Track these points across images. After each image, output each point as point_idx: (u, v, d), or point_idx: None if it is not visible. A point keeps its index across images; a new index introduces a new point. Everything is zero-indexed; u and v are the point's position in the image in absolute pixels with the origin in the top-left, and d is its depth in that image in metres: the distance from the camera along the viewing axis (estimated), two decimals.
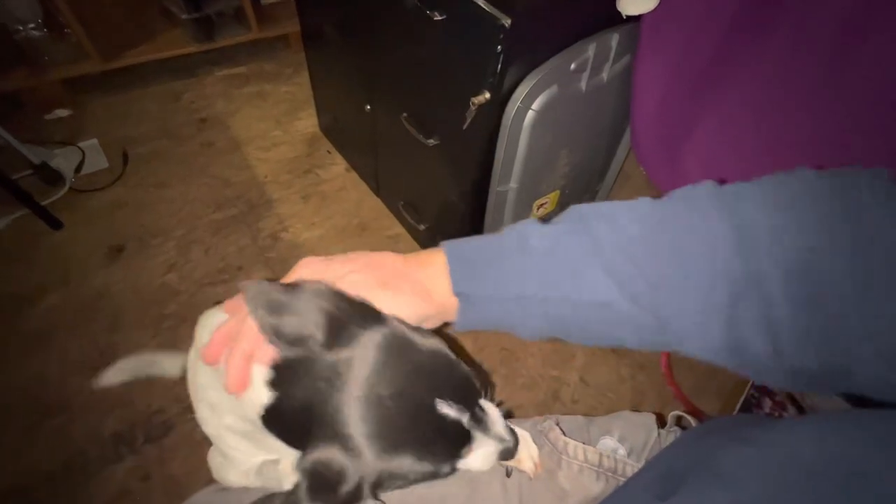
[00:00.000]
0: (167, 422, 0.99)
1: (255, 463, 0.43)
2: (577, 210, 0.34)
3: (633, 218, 0.32)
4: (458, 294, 0.33)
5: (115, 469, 0.93)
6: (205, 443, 1.07)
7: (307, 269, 0.34)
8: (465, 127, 0.79)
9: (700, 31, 0.71)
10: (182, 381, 1.11)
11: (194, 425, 0.99)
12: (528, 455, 0.41)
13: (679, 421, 0.49)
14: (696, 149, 0.78)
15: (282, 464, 0.41)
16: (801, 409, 1.02)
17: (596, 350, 1.18)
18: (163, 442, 0.97)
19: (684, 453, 0.40)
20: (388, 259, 0.35)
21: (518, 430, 0.43)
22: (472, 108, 0.75)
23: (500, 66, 0.69)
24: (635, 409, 1.10)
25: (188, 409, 1.08)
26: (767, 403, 1.11)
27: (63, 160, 1.36)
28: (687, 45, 0.73)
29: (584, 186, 1.15)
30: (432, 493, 0.42)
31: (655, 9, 0.71)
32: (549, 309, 0.32)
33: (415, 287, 0.33)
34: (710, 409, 1.15)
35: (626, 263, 0.30)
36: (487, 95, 0.74)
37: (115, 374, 0.73)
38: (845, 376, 0.28)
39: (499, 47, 0.67)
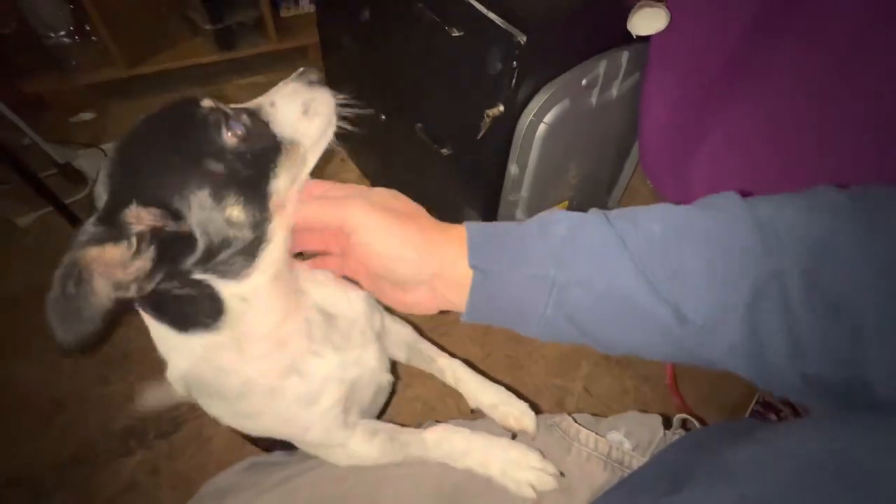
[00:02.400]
0: (178, 418, 1.01)
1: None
2: (598, 210, 0.34)
3: (653, 218, 0.32)
4: (473, 267, 0.33)
5: (125, 462, 0.95)
6: (216, 440, 1.09)
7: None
8: (479, 137, 0.81)
9: (707, 50, 0.74)
10: None
11: (203, 422, 1.01)
12: (530, 420, 0.46)
13: (684, 424, 0.50)
14: (703, 163, 0.81)
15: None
16: None
17: (600, 360, 1.19)
18: (172, 438, 0.99)
19: (691, 451, 0.40)
20: (422, 213, 0.37)
21: (521, 403, 0.47)
22: (487, 119, 0.79)
23: (514, 80, 0.72)
24: None
25: (198, 406, 1.10)
26: (773, 418, 1.11)
27: (86, 161, 1.41)
28: (694, 64, 0.76)
29: (592, 198, 1.17)
30: (448, 481, 0.44)
31: (664, 29, 0.74)
32: (564, 295, 0.32)
33: (430, 231, 0.35)
34: (714, 422, 1.15)
35: (647, 255, 0.30)
36: (501, 108, 0.77)
37: (151, 399, 0.77)
38: (861, 387, 0.27)
39: (514, 63, 0.70)
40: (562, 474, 0.44)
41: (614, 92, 0.87)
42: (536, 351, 1.18)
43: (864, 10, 0.57)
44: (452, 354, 0.59)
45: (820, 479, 0.24)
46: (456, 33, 0.76)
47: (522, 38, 0.67)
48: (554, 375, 1.15)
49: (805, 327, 0.27)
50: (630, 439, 0.45)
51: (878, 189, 0.29)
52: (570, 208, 1.09)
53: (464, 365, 0.55)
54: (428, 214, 0.38)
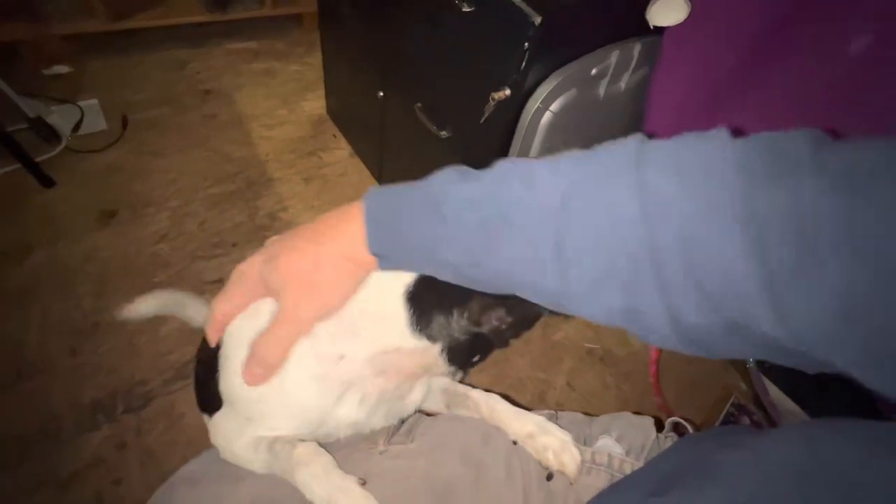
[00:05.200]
0: (148, 393, 0.97)
1: (272, 436, 0.43)
2: (501, 168, 0.33)
3: (557, 184, 0.30)
4: (374, 253, 0.36)
5: (91, 437, 0.91)
6: (188, 417, 1.06)
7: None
8: (482, 121, 0.78)
9: (722, 47, 0.72)
10: (167, 353, 1.08)
11: (175, 399, 0.98)
12: (571, 458, 0.42)
13: (676, 427, 0.49)
14: None
15: (297, 450, 0.40)
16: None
17: (584, 356, 1.19)
18: (141, 413, 0.95)
19: (680, 456, 0.41)
20: (299, 229, 0.39)
21: (561, 433, 0.43)
22: (492, 103, 0.75)
23: (524, 63, 0.69)
24: None
25: (170, 381, 1.06)
26: (745, 421, 1.13)
27: (60, 117, 1.32)
28: (708, 61, 0.74)
29: None
30: (438, 475, 0.42)
31: (679, 23, 0.71)
32: (462, 272, 0.34)
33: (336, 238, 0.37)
34: (691, 422, 1.17)
35: (537, 226, 0.30)
36: (508, 92, 0.74)
37: (144, 305, 0.75)
38: (746, 331, 0.26)
39: (526, 44, 0.67)
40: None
41: (622, 85, 0.85)
42: (523, 345, 1.18)
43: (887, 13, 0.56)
44: None
45: (805, 488, 0.24)
46: (467, 8, 0.72)
47: (537, 19, 0.64)
48: (538, 369, 1.15)
49: (681, 287, 0.26)
50: (622, 443, 0.44)
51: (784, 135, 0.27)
52: None
53: (497, 396, 0.50)
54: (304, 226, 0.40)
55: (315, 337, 0.40)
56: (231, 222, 1.26)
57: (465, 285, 0.36)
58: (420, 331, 0.40)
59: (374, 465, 0.44)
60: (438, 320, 0.40)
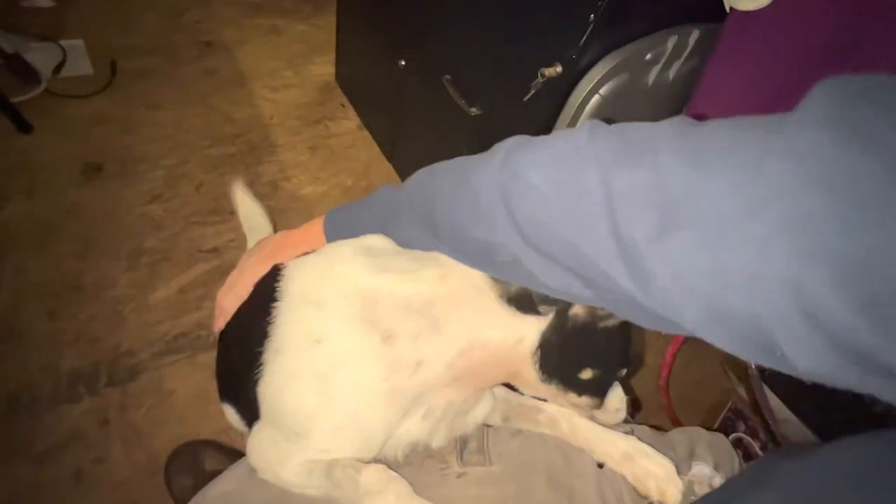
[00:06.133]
0: (136, 366, 0.89)
1: (329, 459, 0.37)
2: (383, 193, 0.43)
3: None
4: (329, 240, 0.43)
5: (70, 409, 0.83)
6: (179, 394, 0.98)
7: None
8: (525, 99, 0.73)
9: (786, 50, 0.68)
10: (157, 323, 1.00)
11: (165, 373, 0.91)
12: (676, 490, 0.38)
13: (739, 442, 0.47)
14: None
15: (365, 477, 0.35)
16: (772, 436, 1.05)
17: None
18: (127, 387, 0.88)
19: (746, 472, 0.39)
20: (275, 236, 0.47)
21: (663, 460, 0.39)
22: (540, 80, 0.70)
23: (586, 38, 0.63)
24: None
25: (160, 354, 0.98)
26: (741, 427, 1.14)
27: (39, 56, 1.19)
28: (767, 61, 0.70)
29: None
30: (531, 499, 0.38)
31: (745, 15, 0.67)
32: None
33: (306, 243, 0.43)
34: (690, 426, 1.18)
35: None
36: (559, 69, 0.68)
37: (245, 203, 0.76)
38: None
39: (591, 15, 0.61)
40: None
41: (671, 74, 0.80)
42: None
43: None
44: None
45: (864, 491, 0.25)
46: None
47: None
48: None
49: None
50: (720, 472, 0.40)
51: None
52: None
53: (574, 412, 0.45)
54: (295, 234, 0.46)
55: (394, 340, 0.35)
56: (230, 187, 1.17)
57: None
58: (511, 302, 0.36)
59: (455, 490, 0.39)
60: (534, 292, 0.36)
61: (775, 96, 0.71)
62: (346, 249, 0.39)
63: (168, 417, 0.87)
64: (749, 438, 1.03)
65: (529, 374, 0.37)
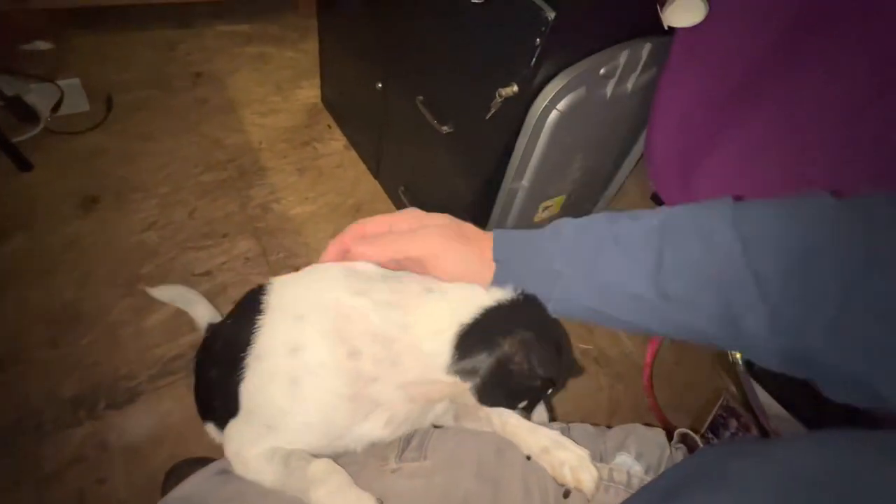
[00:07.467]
0: (134, 388, 0.93)
1: (289, 449, 0.41)
2: (604, 213, 0.41)
3: (655, 213, 0.38)
4: (495, 259, 0.42)
5: (72, 433, 0.87)
6: (176, 414, 1.02)
7: (398, 218, 0.43)
8: (487, 118, 0.76)
9: (734, 53, 0.71)
10: (154, 346, 1.05)
11: (162, 395, 0.95)
12: (588, 475, 0.41)
13: (684, 438, 0.49)
14: (713, 169, 0.79)
15: (312, 468, 0.39)
16: (764, 432, 1.06)
17: (578, 357, 1.19)
18: (126, 409, 0.92)
19: (688, 467, 0.40)
20: (466, 223, 0.45)
21: (578, 449, 0.42)
22: (499, 99, 0.73)
23: (535, 59, 0.67)
24: (610, 418, 1.12)
25: (157, 377, 1.02)
26: (733, 424, 1.15)
27: (38, 97, 1.26)
28: (719, 65, 0.73)
29: (589, 194, 1.15)
30: (455, 494, 0.41)
31: (692, 27, 0.70)
32: (567, 285, 0.39)
33: (479, 246, 0.42)
34: (681, 425, 1.18)
35: (642, 249, 0.36)
36: (516, 88, 0.72)
37: (164, 292, 0.82)
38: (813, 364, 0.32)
39: (538, 40, 0.65)
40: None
41: (629, 86, 0.83)
42: None
43: None
44: None
45: (814, 496, 0.25)
46: (477, 0, 0.70)
47: (551, 15, 0.62)
48: None
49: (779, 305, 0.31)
50: (640, 461, 0.43)
51: (870, 195, 0.32)
52: (567, 203, 1.07)
53: (509, 409, 0.49)
54: (475, 228, 0.45)
55: (358, 357, 0.39)
56: (222, 211, 1.22)
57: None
58: (455, 371, 0.40)
59: (389, 484, 0.43)
60: (473, 360, 0.40)
61: (721, 105, 0.74)
62: (333, 271, 0.43)
63: (166, 437, 0.91)
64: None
65: (470, 400, 0.42)
